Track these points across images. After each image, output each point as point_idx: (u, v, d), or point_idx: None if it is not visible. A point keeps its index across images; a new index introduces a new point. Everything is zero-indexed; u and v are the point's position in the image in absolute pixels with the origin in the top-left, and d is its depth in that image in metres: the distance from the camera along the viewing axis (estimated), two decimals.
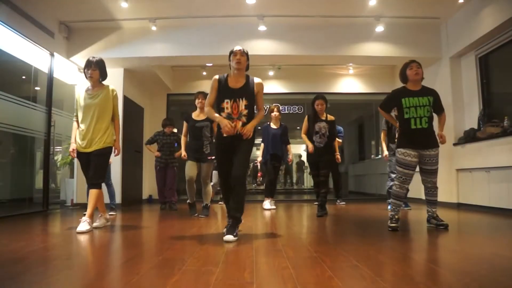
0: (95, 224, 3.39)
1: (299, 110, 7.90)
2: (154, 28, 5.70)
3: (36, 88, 5.41)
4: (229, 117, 2.86)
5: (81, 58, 5.82)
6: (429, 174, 3.23)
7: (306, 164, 4.73)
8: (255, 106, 3.00)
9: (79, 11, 5.36)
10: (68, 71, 6.07)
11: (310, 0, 5.28)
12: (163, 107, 7.91)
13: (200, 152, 4.35)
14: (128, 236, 3.15)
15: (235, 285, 1.57)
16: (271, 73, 7.78)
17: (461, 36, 5.44)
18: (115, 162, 5.79)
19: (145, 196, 7.50)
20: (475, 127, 5.29)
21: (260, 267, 1.91)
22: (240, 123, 2.86)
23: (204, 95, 4.39)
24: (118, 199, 5.96)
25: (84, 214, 3.30)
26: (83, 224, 3.18)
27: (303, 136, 4.59)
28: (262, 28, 5.74)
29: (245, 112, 2.87)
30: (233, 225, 2.79)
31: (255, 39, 5.91)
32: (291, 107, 7.99)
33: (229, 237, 2.67)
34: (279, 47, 5.93)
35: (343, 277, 1.68)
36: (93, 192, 3.32)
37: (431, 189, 3.27)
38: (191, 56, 6.03)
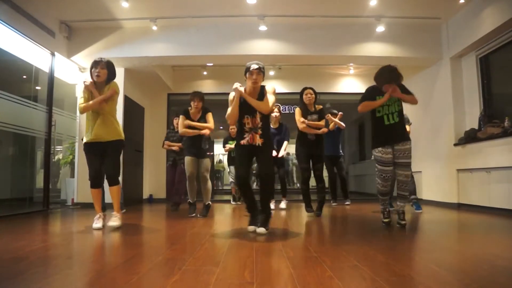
0: (96, 225, 3.37)
1: None
2: (155, 28, 5.70)
3: (37, 87, 5.42)
4: (251, 130, 3.13)
5: (82, 58, 5.83)
6: (403, 167, 3.37)
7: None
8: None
9: (80, 10, 5.36)
10: (68, 70, 6.07)
11: (311, 0, 5.28)
12: (163, 107, 7.92)
13: (198, 148, 4.31)
14: (128, 236, 3.15)
15: (235, 285, 1.57)
16: (271, 73, 7.78)
17: (461, 36, 5.44)
18: None
19: (145, 195, 7.50)
20: (476, 127, 5.29)
21: (260, 267, 1.91)
22: (258, 136, 3.11)
23: (199, 97, 4.28)
24: None
25: (100, 215, 3.40)
26: (115, 219, 3.36)
27: (303, 120, 4.28)
28: (262, 28, 5.74)
29: (260, 124, 3.12)
30: (266, 219, 3.11)
31: (255, 39, 5.91)
32: (292, 107, 8.00)
33: (262, 230, 2.99)
34: (279, 47, 5.93)
35: (343, 277, 1.69)
36: (114, 188, 3.37)
37: (404, 183, 3.41)
38: (191, 56, 6.02)
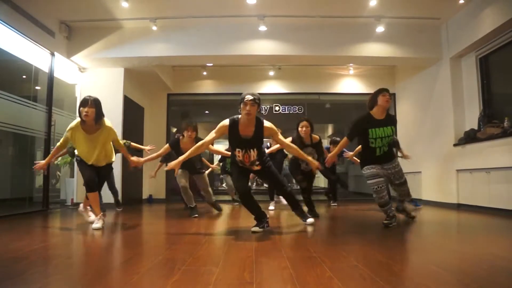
0: (96, 226, 3.39)
1: (299, 110, 7.91)
2: (154, 28, 5.69)
3: (37, 87, 5.41)
4: (241, 163, 3.17)
5: (81, 58, 5.83)
6: (401, 185, 3.61)
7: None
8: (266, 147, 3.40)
9: (79, 10, 5.36)
10: (68, 70, 6.07)
11: (310, 1, 5.28)
12: (163, 107, 7.92)
13: (191, 167, 4.42)
14: (128, 236, 3.15)
15: (235, 285, 1.57)
16: (271, 73, 7.77)
17: (461, 36, 5.44)
18: (116, 162, 5.78)
19: (145, 196, 7.50)
20: (475, 127, 5.29)
21: (260, 267, 1.91)
22: (254, 166, 3.17)
23: (193, 127, 4.27)
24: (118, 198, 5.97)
25: (100, 216, 3.50)
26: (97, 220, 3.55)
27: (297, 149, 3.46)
28: (262, 28, 5.74)
29: (256, 159, 3.14)
30: (301, 212, 3.47)
31: (255, 39, 5.91)
32: (291, 107, 7.99)
33: (311, 220, 3.43)
34: (279, 47, 5.93)
35: (343, 278, 1.69)
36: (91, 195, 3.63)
37: (404, 193, 3.72)
38: (191, 56, 6.02)
